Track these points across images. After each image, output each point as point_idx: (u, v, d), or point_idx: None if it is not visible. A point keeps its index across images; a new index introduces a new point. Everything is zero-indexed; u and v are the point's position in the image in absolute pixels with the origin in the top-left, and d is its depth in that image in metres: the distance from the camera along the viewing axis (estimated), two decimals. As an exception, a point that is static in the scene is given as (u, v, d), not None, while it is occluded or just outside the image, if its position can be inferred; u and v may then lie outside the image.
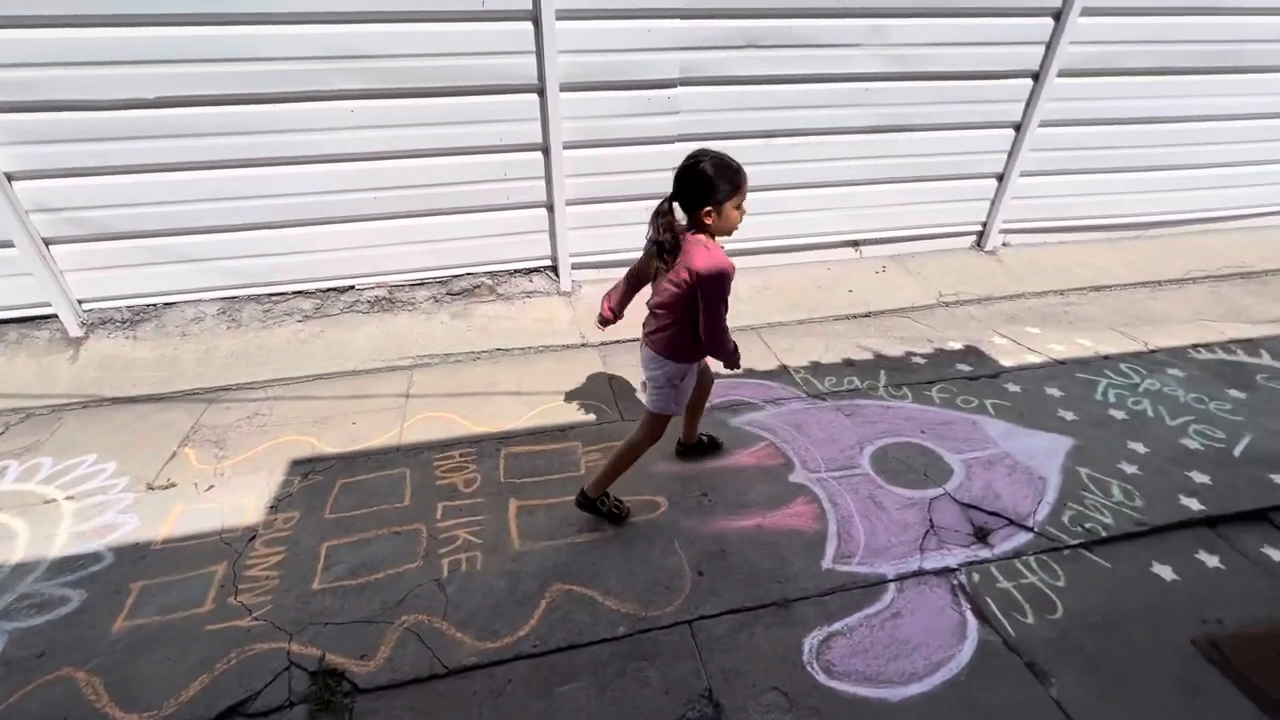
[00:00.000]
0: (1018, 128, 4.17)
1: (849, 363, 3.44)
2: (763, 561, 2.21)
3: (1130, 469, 2.66)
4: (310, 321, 3.66)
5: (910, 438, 2.84)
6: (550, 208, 3.72)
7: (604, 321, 2.38)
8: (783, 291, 4.11)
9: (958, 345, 3.62)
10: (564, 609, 2.04)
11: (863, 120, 3.90)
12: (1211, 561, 2.25)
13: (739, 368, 2.24)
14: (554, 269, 3.94)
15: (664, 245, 1.95)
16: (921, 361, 3.45)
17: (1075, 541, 2.30)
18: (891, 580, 2.14)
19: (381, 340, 3.56)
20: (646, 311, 2.16)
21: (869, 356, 3.50)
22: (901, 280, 4.29)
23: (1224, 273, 4.52)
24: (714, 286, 1.89)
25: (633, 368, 3.36)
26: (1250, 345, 3.62)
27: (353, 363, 3.38)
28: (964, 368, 3.39)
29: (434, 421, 2.96)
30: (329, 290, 3.70)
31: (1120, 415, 3.00)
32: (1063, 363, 3.44)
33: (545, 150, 3.53)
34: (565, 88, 3.39)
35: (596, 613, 2.02)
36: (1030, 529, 2.35)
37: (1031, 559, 2.23)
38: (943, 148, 4.15)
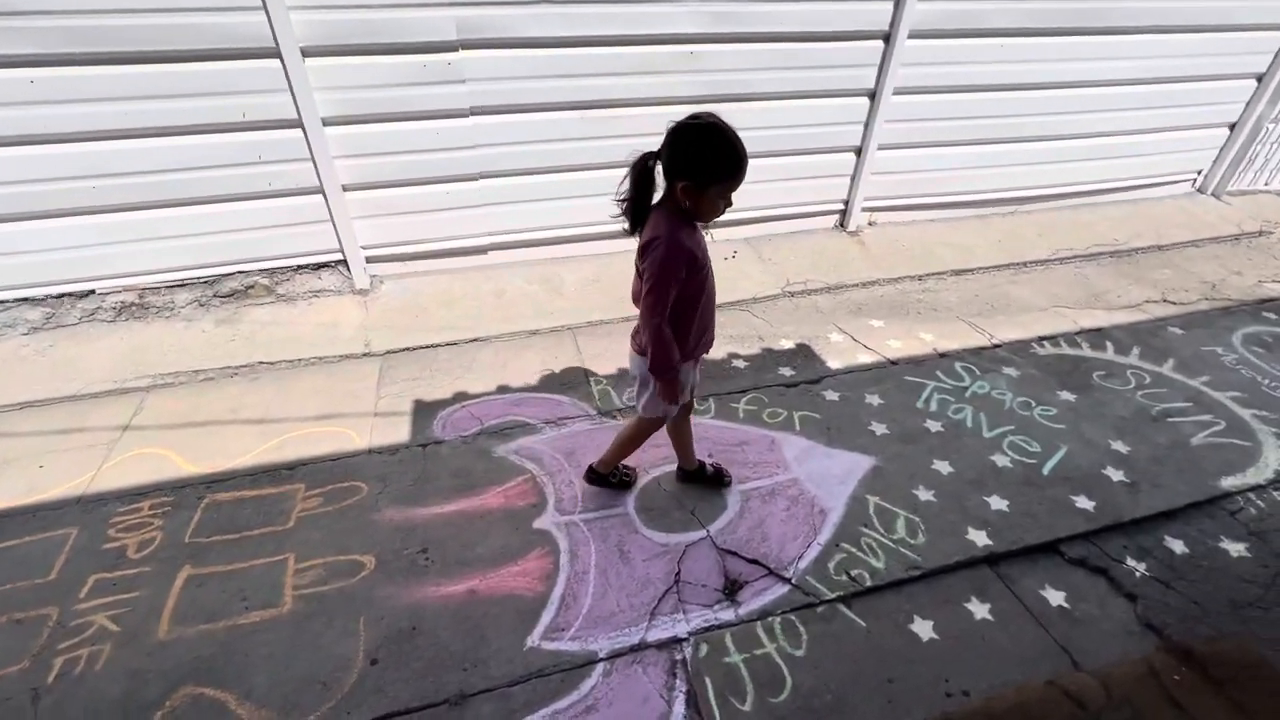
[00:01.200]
0: (872, 96, 3.77)
1: (661, 369, 3.08)
2: (456, 641, 1.86)
3: (925, 495, 2.38)
4: (40, 333, 3.11)
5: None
6: (324, 194, 3.20)
7: None
8: (615, 284, 3.70)
9: (789, 344, 3.29)
10: (179, 724, 1.66)
11: (690, 89, 3.44)
12: (980, 612, 1.99)
13: (671, 400, 1.87)
14: (345, 263, 3.45)
15: (629, 210, 1.64)
16: (742, 365, 3.11)
17: (833, 595, 2.00)
18: (602, 660, 1.81)
19: (123, 355, 3.05)
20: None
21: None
22: (750, 267, 3.92)
23: (1092, 251, 4.27)
24: (653, 263, 1.59)
25: (411, 381, 2.94)
26: (1098, 336, 3.38)
27: (77, 385, 2.87)
28: (786, 372, 3.07)
29: (143, 460, 2.50)
30: (62, 296, 3.13)
31: (936, 427, 2.72)
32: (895, 363, 3.15)
33: (302, 127, 2.99)
34: (310, 52, 2.83)
35: (223, 725, 1.66)
36: (788, 580, 2.06)
37: (778, 620, 1.93)
38: (791, 119, 3.73)
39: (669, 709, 1.70)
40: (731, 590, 2.02)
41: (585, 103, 3.33)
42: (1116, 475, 2.50)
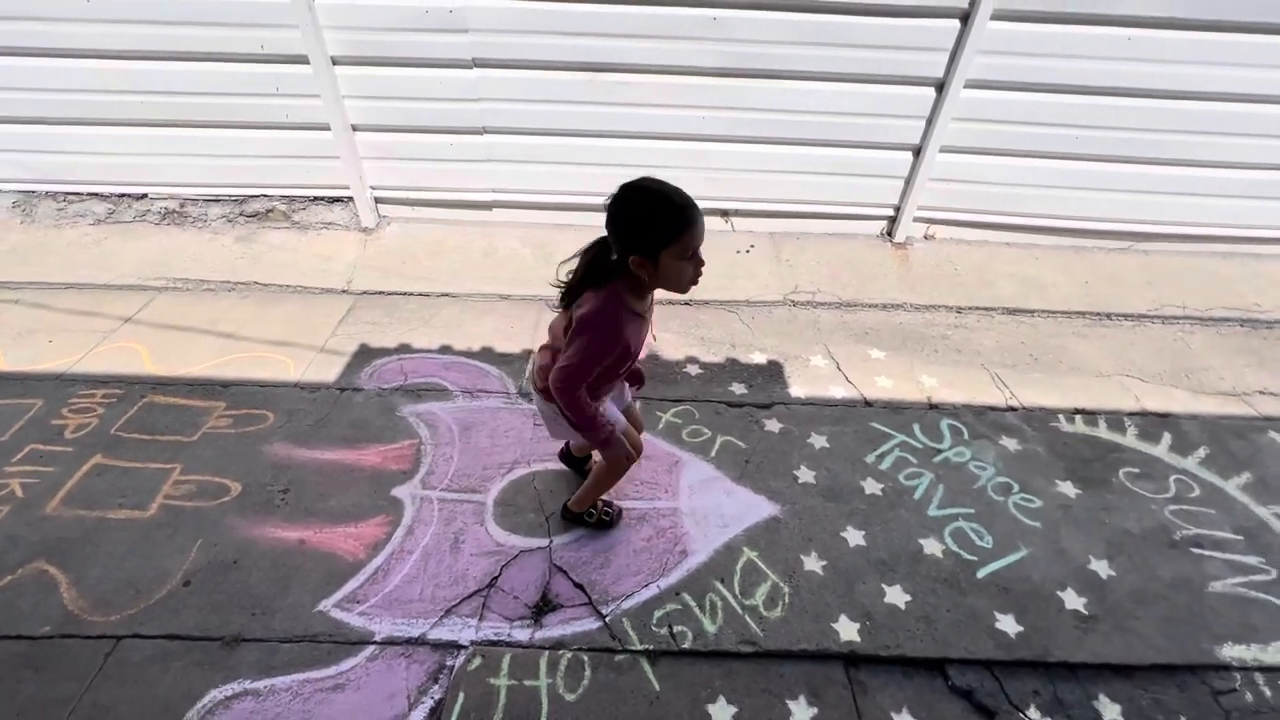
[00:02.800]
0: (940, 87, 3.16)
1: (607, 359, 2.90)
2: (262, 585, 1.92)
3: (813, 565, 2.05)
4: (101, 225, 3.59)
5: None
6: (334, 131, 3.31)
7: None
8: (607, 260, 3.52)
9: (760, 359, 2.96)
10: (13, 591, 1.87)
11: (712, 59, 3.08)
12: (801, 715, 1.69)
13: (607, 448, 1.79)
14: (354, 200, 3.59)
15: (568, 290, 1.57)
16: (694, 373, 2.85)
17: (639, 647, 1.80)
18: (375, 643, 1.79)
19: (156, 255, 3.43)
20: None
21: (640, 355, 2.93)
22: (760, 266, 3.54)
23: (1214, 315, 3.36)
24: (585, 344, 1.51)
25: (369, 325, 3.02)
26: (1157, 423, 2.67)
27: (110, 275, 3.29)
28: (737, 390, 2.76)
29: (121, 353, 2.81)
30: (123, 196, 3.58)
31: (875, 489, 2.32)
32: (870, 404, 2.71)
33: (311, 63, 3.08)
34: (318, -11, 2.90)
35: (47, 603, 1.85)
36: (602, 616, 1.88)
37: (568, 656, 1.78)
38: (833, 105, 3.23)
39: (408, 712, 1.64)
40: (540, 610, 1.89)
41: (594, 64, 3.12)
42: (1074, 602, 1.99)
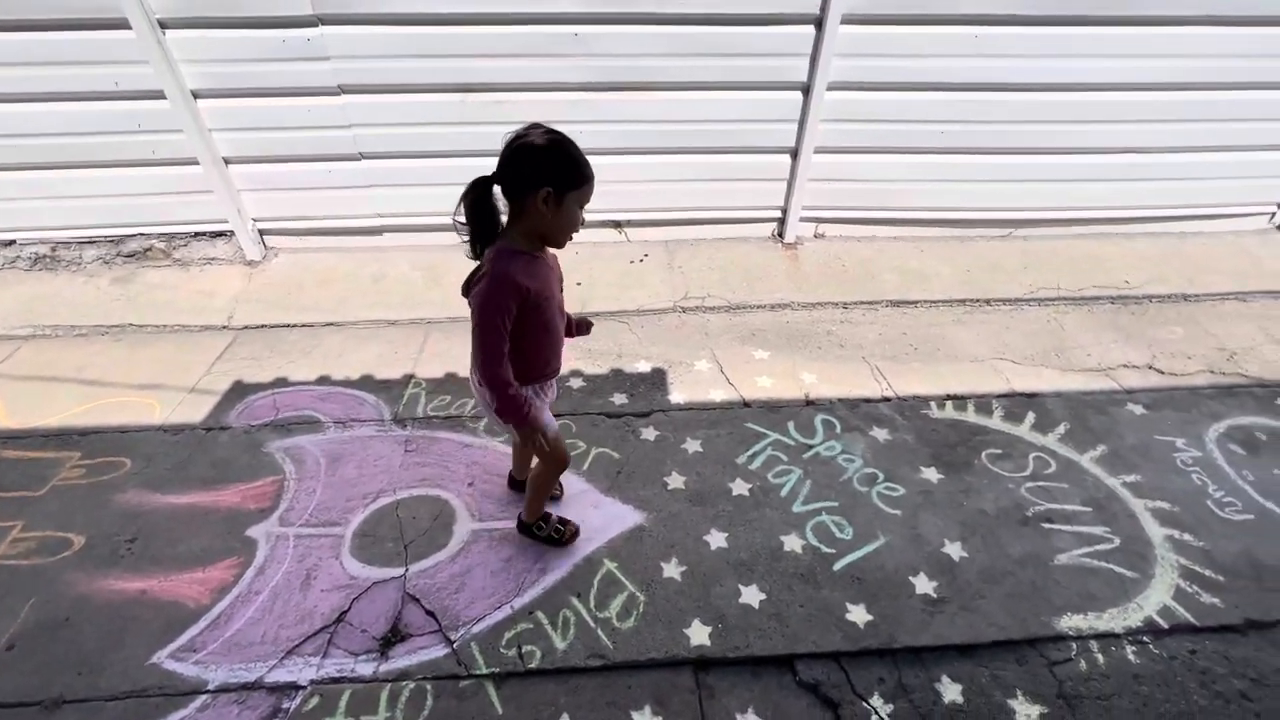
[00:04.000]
0: (806, 90, 3.25)
1: (490, 379, 2.88)
2: (94, 641, 1.84)
3: (672, 571, 2.06)
4: (-32, 275, 3.46)
5: (446, 490, 2.33)
6: (204, 165, 3.24)
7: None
8: (499, 278, 3.51)
9: (645, 367, 2.97)
10: None
11: (578, 74, 3.12)
12: (644, 726, 1.69)
13: (522, 425, 1.65)
14: (235, 234, 3.51)
15: (473, 236, 1.51)
16: (578, 386, 2.85)
17: (485, 671, 1.78)
18: (207, 691, 1.73)
19: (24, 303, 3.30)
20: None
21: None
22: (653, 275, 3.57)
23: (1088, 294, 3.50)
24: (479, 301, 1.47)
25: (247, 360, 2.95)
26: (1024, 403, 2.76)
27: (-25, 327, 3.17)
28: (618, 400, 2.77)
29: (-25, 407, 2.71)
30: (-9, 243, 3.46)
31: (743, 490, 2.34)
32: (748, 404, 2.75)
33: (168, 98, 3.02)
34: (168, 24, 2.84)
35: None
36: (451, 643, 1.86)
37: (410, 687, 1.75)
38: (708, 113, 3.30)
39: (231, 764, 1.60)
40: (389, 642, 1.86)
41: (464, 85, 3.12)
42: (925, 586, 2.03)
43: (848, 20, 2.99)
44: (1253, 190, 3.86)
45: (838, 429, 2.63)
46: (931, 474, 2.43)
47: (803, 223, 3.73)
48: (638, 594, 1.98)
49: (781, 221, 3.74)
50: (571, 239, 1.54)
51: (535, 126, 1.41)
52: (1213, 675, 1.82)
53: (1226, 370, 3.01)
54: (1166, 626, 1.93)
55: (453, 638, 1.86)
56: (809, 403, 2.77)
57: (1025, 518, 2.26)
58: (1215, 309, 3.46)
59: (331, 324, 3.22)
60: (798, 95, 3.26)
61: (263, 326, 3.20)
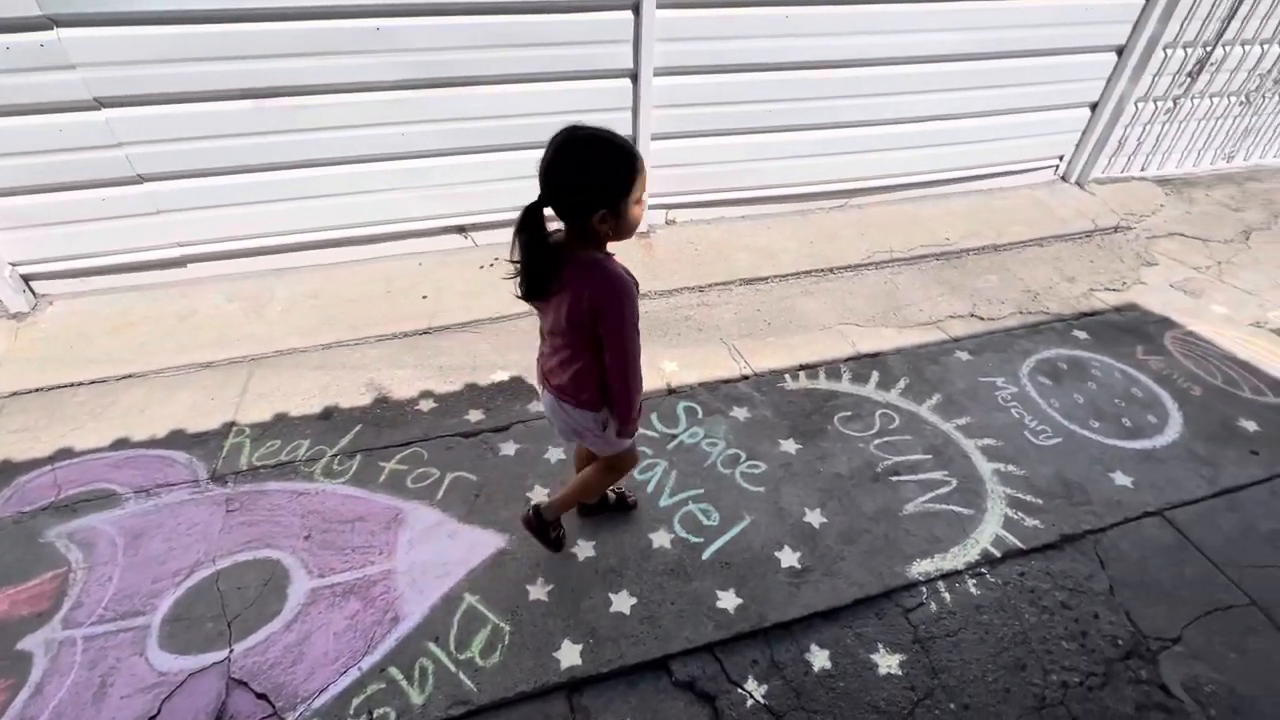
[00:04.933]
0: (634, 77, 3.22)
1: (327, 414, 2.61)
2: None
3: (538, 593, 1.95)
4: None
5: (278, 548, 2.07)
6: (-71, 205, 2.67)
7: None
8: (333, 300, 3.20)
9: (502, 376, 2.83)
10: None
11: (386, 72, 2.88)
12: (515, 768, 1.59)
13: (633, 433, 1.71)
14: (-9, 284, 2.94)
15: (538, 273, 1.42)
16: (428, 408, 2.66)
17: (329, 749, 1.61)
18: None
19: None
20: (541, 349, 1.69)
21: (366, 400, 2.67)
22: (504, 280, 3.43)
23: (916, 254, 3.79)
24: (619, 314, 1.42)
25: (18, 433, 2.46)
26: (869, 364, 2.92)
27: None
28: (474, 417, 2.61)
29: None
30: None
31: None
32: (611, 402, 2.70)
33: None
34: None
35: None
36: (288, 726, 1.65)
37: (241, 788, 1.54)
38: (537, 106, 3.17)
39: None
40: (212, 740, 1.62)
41: (256, 90, 2.77)
42: (789, 559, 2.08)
43: (664, 4, 2.98)
44: (1040, 147, 4.34)
45: (700, 414, 2.63)
46: (790, 445, 2.49)
47: (653, 210, 3.72)
48: (502, 625, 1.86)
49: (631, 211, 3.70)
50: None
51: (573, 133, 1.31)
52: (1039, 592, 2.00)
53: (1032, 310, 3.37)
54: (999, 555, 2.10)
55: (290, 718, 1.64)
56: (671, 391, 2.75)
57: (876, 474, 2.38)
58: (1019, 256, 3.87)
59: (130, 376, 2.77)
60: (626, 83, 3.22)
61: (38, 390, 2.68)
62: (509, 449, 2.45)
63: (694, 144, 3.52)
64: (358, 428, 2.53)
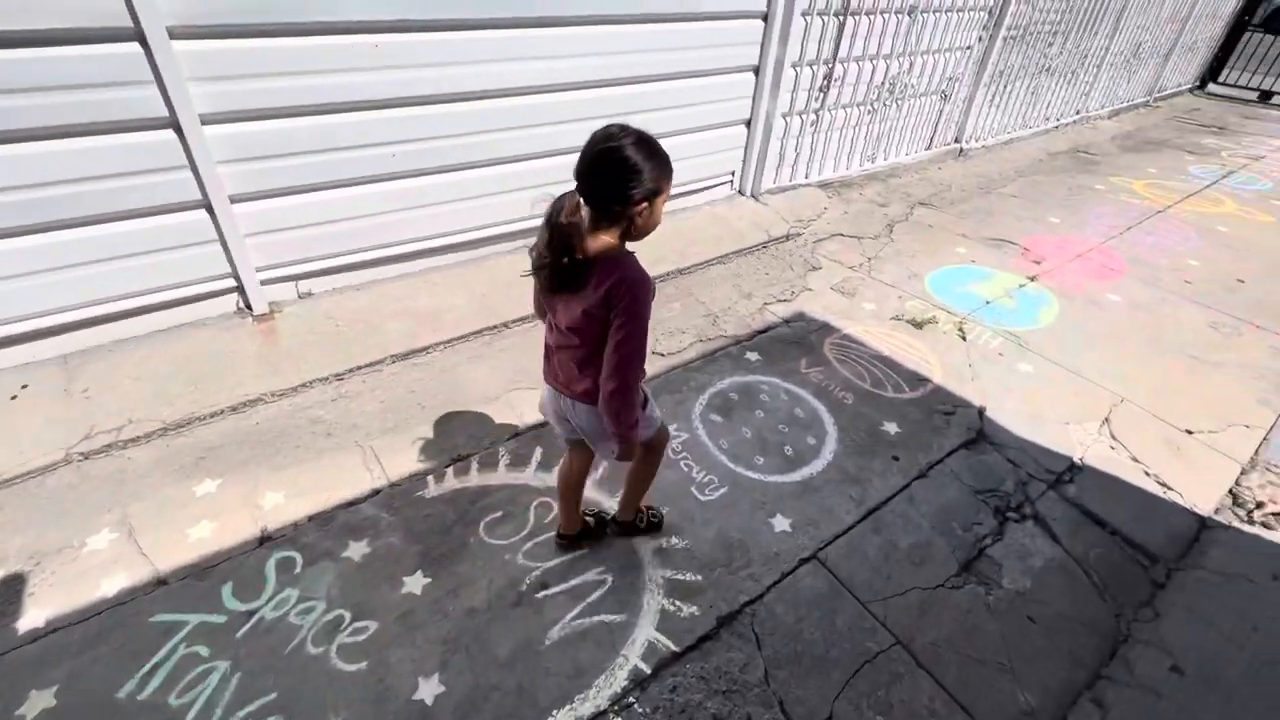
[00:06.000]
0: (176, 128, 2.47)
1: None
2: None
3: None
4: None
5: None
6: None
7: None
8: None
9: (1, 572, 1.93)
10: None
11: None
12: None
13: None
14: None
15: (568, 264, 1.38)
16: None
17: None
18: None
19: None
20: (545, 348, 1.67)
21: None
22: (35, 415, 2.44)
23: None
24: (638, 302, 1.40)
25: None
26: (529, 440, 2.50)
27: None
28: None
29: None
30: None
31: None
32: (164, 581, 1.93)
33: None
34: None
35: None
36: None
37: None
38: (68, 172, 2.30)
39: None
40: None
41: None
42: (384, 772, 1.56)
43: (180, 35, 2.28)
44: (713, 164, 4.41)
45: (298, 566, 1.99)
46: (416, 583, 1.96)
47: (273, 285, 2.98)
48: None
49: (240, 290, 2.92)
50: None
51: (624, 130, 1.36)
52: (691, 709, 1.71)
53: (711, 336, 3.28)
54: (650, 671, 1.77)
55: None
56: (264, 541, 2.07)
57: (520, 593, 1.95)
58: (704, 276, 3.84)
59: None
60: (170, 134, 2.45)
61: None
62: (-47, 717, 1.58)
63: (308, 201, 2.85)
64: None
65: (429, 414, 2.64)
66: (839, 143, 5.03)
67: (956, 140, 6.11)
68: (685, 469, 2.44)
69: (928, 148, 5.90)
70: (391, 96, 2.82)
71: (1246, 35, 9.54)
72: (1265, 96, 9.15)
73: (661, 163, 1.38)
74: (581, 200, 1.37)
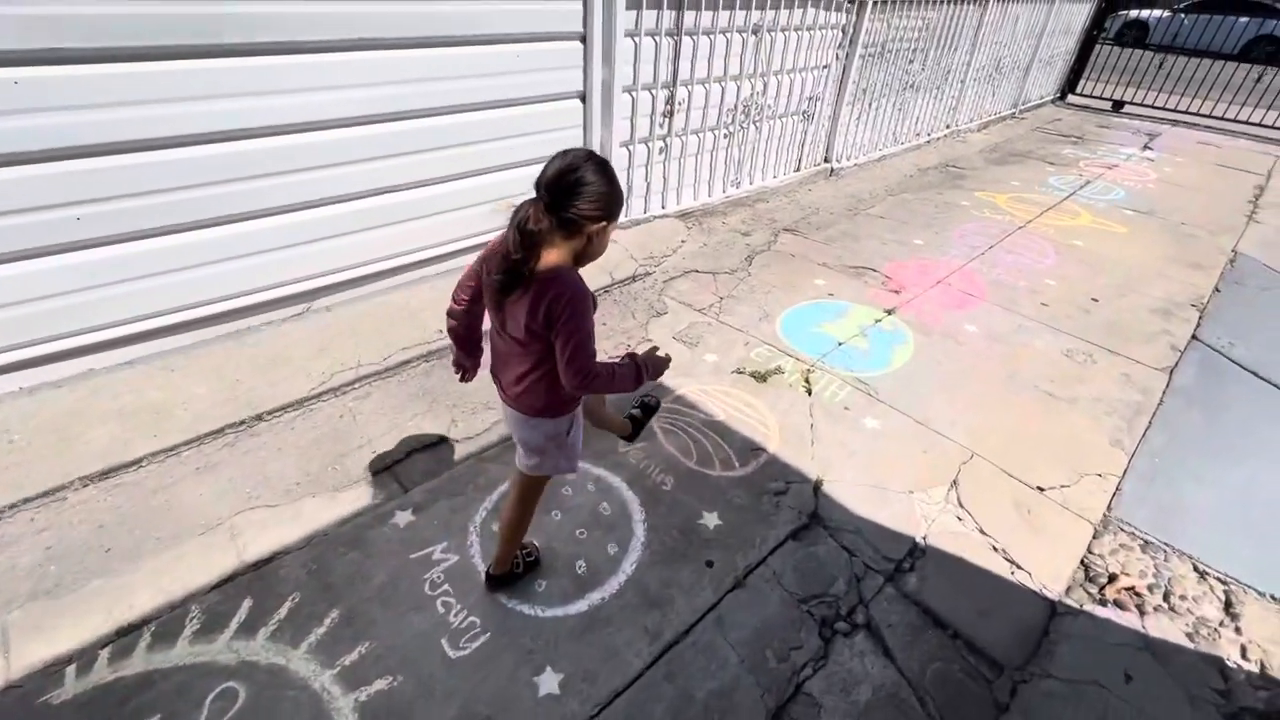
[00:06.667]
0: None
1: None
2: None
3: None
4: None
5: None
6: None
7: (462, 372, 1.92)
8: None
9: None
10: None
11: None
12: None
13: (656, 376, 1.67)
14: None
15: (520, 268, 1.41)
16: None
17: None
18: None
19: None
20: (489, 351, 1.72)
21: None
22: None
23: (396, 359, 2.96)
24: (577, 314, 1.42)
25: None
26: (240, 588, 1.90)
27: None
28: None
29: None
30: None
31: None
32: None
33: None
34: None
35: None
36: None
37: None
38: None
39: None
40: None
41: None
42: None
43: None
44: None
45: None
46: None
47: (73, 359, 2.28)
48: None
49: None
50: None
51: (585, 155, 1.41)
52: None
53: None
54: None
55: None
56: None
57: None
58: (530, 333, 3.36)
59: None
60: None
61: None
62: None
63: (51, 265, 2.20)
64: None
65: (111, 561, 2.00)
66: (695, 170, 4.69)
67: (826, 160, 5.94)
68: (441, 610, 1.91)
69: (797, 169, 5.69)
70: (56, 147, 2.19)
71: (1097, 49, 10.10)
72: (1118, 106, 9.66)
73: (617, 191, 1.45)
74: (543, 209, 1.40)
